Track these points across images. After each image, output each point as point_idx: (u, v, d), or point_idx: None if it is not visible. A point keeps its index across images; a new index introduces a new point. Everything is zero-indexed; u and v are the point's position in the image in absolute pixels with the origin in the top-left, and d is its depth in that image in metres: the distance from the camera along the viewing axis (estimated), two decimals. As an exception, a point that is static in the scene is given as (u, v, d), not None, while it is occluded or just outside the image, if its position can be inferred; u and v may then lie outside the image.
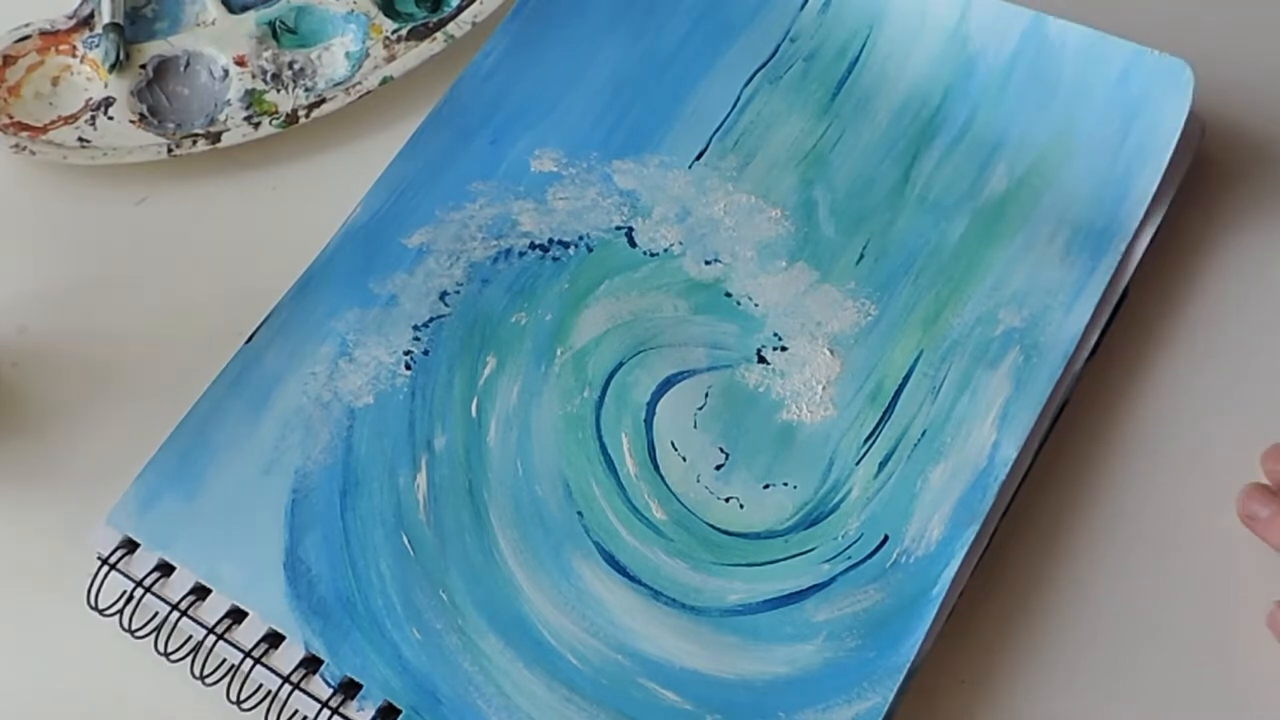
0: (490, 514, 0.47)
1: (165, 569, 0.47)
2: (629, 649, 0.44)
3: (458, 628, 0.45)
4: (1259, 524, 0.46)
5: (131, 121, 0.59)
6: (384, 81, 0.59)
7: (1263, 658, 0.44)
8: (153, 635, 0.47)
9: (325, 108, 0.59)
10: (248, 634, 0.46)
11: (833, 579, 0.45)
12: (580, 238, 0.53)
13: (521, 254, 0.53)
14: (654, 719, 0.43)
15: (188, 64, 0.61)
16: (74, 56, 0.60)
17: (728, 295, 0.51)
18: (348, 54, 0.61)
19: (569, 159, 0.55)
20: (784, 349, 0.50)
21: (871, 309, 0.50)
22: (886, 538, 0.46)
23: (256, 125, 0.58)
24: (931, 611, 0.44)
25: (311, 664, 0.45)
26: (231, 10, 0.61)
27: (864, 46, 0.56)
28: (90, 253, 0.57)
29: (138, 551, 0.48)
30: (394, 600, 0.46)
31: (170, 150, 0.58)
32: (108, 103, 0.59)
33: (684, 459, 0.48)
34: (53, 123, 0.59)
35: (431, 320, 0.51)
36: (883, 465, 0.47)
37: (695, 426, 0.48)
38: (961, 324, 0.50)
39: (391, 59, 0.60)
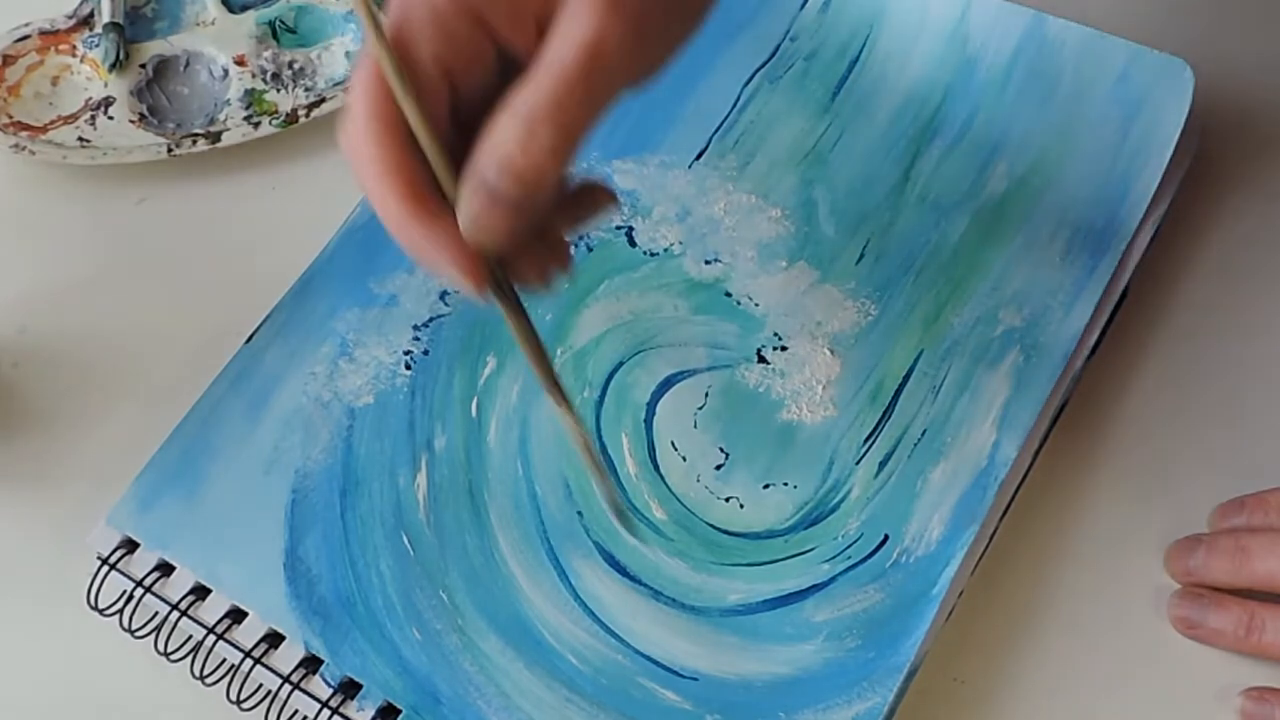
0: (490, 514, 0.47)
1: (165, 569, 0.47)
2: (629, 649, 0.44)
3: (458, 628, 0.45)
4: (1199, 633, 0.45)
5: (131, 121, 0.59)
6: (384, 81, 0.59)
7: (1264, 660, 0.44)
8: (153, 635, 0.47)
9: (325, 107, 0.59)
10: (248, 634, 0.46)
11: (833, 579, 0.45)
12: (580, 237, 0.53)
13: (521, 254, 0.53)
14: (654, 719, 0.43)
15: (188, 64, 0.61)
16: (74, 56, 0.60)
17: (728, 295, 0.51)
18: (348, 54, 0.61)
19: (569, 159, 0.55)
20: (784, 349, 0.50)
21: (871, 309, 0.50)
22: (886, 537, 0.46)
23: (256, 125, 0.58)
24: (931, 611, 0.44)
25: (311, 664, 0.45)
26: (231, 10, 0.61)
27: (864, 46, 0.56)
28: (90, 253, 0.57)
29: (138, 551, 0.48)
30: (394, 600, 0.46)
31: (170, 150, 0.58)
32: (107, 102, 0.59)
33: (684, 459, 0.48)
34: (52, 122, 0.59)
35: (431, 320, 0.51)
36: (883, 465, 0.47)
37: (695, 426, 0.48)
38: (961, 324, 0.49)
39: (391, 59, 0.60)
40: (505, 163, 0.33)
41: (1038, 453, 0.48)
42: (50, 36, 0.60)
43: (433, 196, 0.35)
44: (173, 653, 0.46)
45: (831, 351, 0.50)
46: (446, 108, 0.35)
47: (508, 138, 0.33)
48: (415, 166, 0.35)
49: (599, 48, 0.33)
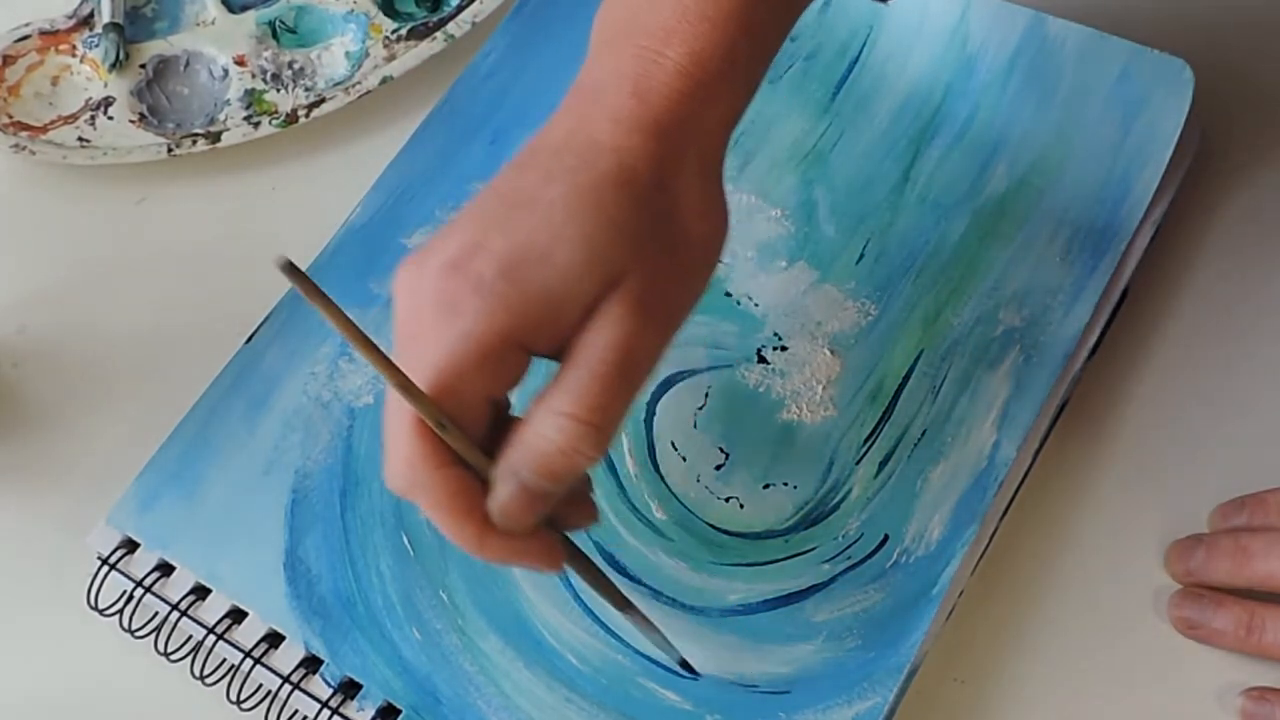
0: (490, 514, 0.47)
1: (165, 569, 0.47)
2: (629, 649, 0.44)
3: (458, 628, 0.45)
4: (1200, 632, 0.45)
5: (131, 121, 0.59)
6: (384, 81, 0.59)
7: (1264, 660, 0.44)
8: (153, 635, 0.47)
9: (325, 107, 0.59)
10: (248, 634, 0.46)
11: (833, 579, 0.45)
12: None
13: (521, 254, 0.53)
14: (654, 719, 0.43)
15: (188, 64, 0.61)
16: (74, 56, 0.60)
17: (728, 295, 0.51)
18: (347, 54, 0.61)
19: (569, 159, 0.55)
20: (784, 349, 0.50)
21: (871, 309, 0.50)
22: (886, 537, 0.46)
23: (256, 125, 0.58)
24: (931, 611, 0.44)
25: (311, 664, 0.45)
26: (231, 10, 0.61)
27: (864, 46, 0.56)
28: (90, 253, 0.57)
29: (138, 551, 0.48)
30: (394, 600, 0.46)
31: (170, 150, 0.58)
32: (107, 102, 0.59)
33: (684, 459, 0.48)
34: (53, 122, 0.59)
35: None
36: (883, 465, 0.47)
37: (695, 426, 0.48)
38: (961, 324, 0.49)
39: (391, 59, 0.60)
40: (542, 461, 0.35)
41: (1038, 453, 0.48)
42: (50, 36, 0.60)
43: (482, 506, 0.36)
44: (173, 653, 0.46)
45: (831, 351, 0.50)
46: (487, 423, 0.36)
47: (546, 439, 0.35)
48: (472, 487, 0.36)
49: (632, 352, 0.35)
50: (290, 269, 0.31)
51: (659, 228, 0.36)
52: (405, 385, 0.34)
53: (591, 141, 0.36)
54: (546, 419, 0.35)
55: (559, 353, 0.36)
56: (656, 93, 0.37)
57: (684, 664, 0.43)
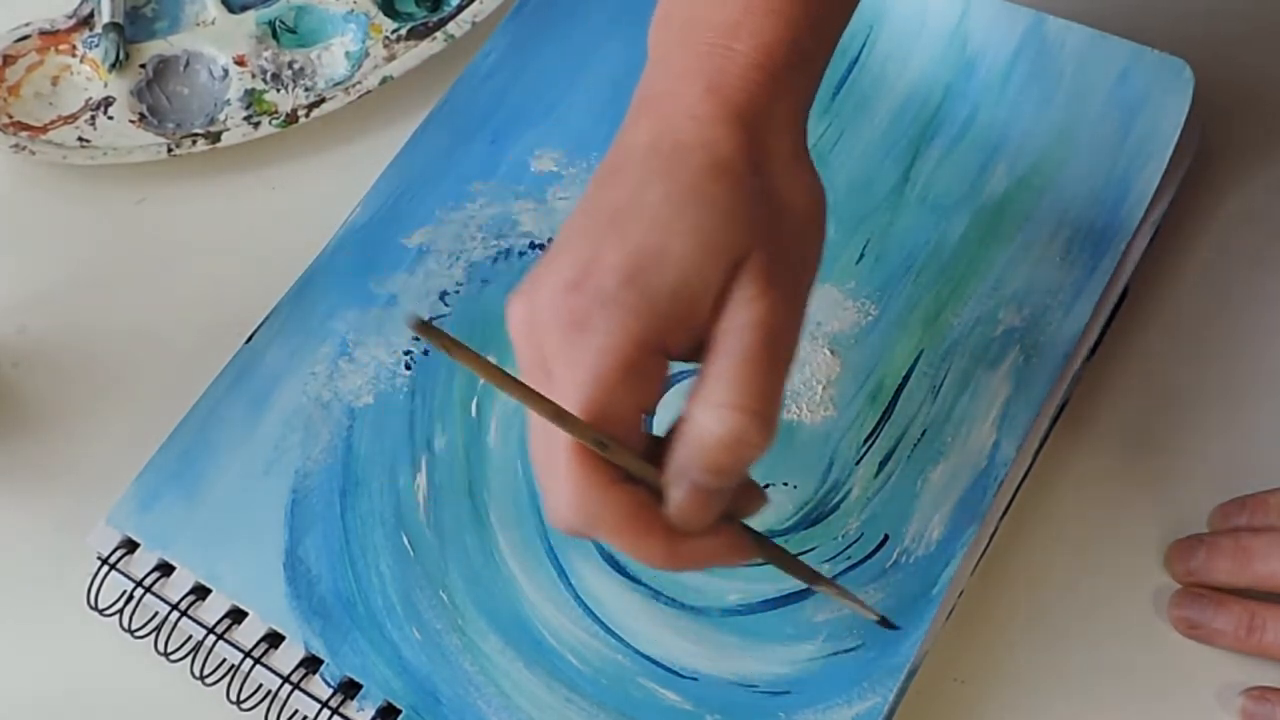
0: (490, 514, 0.47)
1: (165, 569, 0.47)
2: (629, 649, 0.44)
3: (458, 628, 0.45)
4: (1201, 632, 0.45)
5: (131, 121, 0.59)
6: (384, 81, 0.59)
7: (1264, 660, 0.44)
8: (153, 635, 0.47)
9: (325, 107, 0.59)
10: (248, 634, 0.46)
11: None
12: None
13: (522, 254, 0.53)
14: (654, 719, 0.43)
15: (187, 64, 0.61)
16: (74, 56, 0.60)
17: (728, 295, 0.51)
18: (347, 54, 0.61)
19: (569, 159, 0.55)
20: (784, 349, 0.50)
21: (871, 309, 0.50)
22: (887, 537, 0.46)
23: (256, 125, 0.58)
24: (931, 611, 0.44)
25: (311, 664, 0.45)
26: (231, 10, 0.61)
27: (864, 46, 0.56)
28: (90, 253, 0.57)
29: (138, 551, 0.48)
30: (394, 600, 0.46)
31: (170, 150, 0.58)
32: (107, 102, 0.59)
33: (684, 459, 0.48)
34: (53, 122, 0.59)
35: (431, 320, 0.51)
36: (883, 465, 0.47)
37: (695, 426, 0.48)
38: (961, 324, 0.49)
39: (391, 59, 0.60)
40: (709, 457, 0.34)
41: (1038, 453, 0.48)
42: (50, 36, 0.60)
43: (662, 517, 0.36)
44: (173, 653, 0.46)
45: (831, 351, 0.50)
46: (645, 437, 0.36)
47: (710, 434, 0.34)
48: (647, 501, 0.35)
49: (774, 327, 0.35)
50: (421, 325, 0.31)
51: (763, 206, 0.36)
52: (558, 413, 0.33)
53: (676, 143, 0.36)
54: (706, 413, 0.34)
55: (697, 352, 0.35)
56: (731, 86, 0.37)
57: (884, 621, 0.42)
